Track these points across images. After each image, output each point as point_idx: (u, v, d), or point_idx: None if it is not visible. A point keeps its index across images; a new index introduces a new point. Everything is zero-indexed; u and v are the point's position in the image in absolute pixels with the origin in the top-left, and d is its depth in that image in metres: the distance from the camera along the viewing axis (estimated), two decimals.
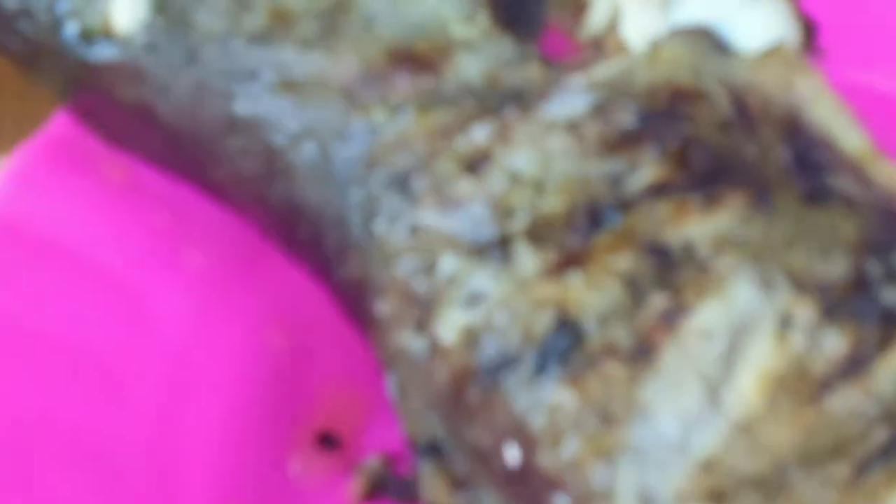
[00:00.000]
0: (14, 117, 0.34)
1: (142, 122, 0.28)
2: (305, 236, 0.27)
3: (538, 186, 0.25)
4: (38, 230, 0.28)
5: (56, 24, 0.28)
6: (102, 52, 0.27)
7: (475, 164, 0.25)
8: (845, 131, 0.26)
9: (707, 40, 0.26)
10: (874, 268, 0.23)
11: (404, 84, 0.26)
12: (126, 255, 0.28)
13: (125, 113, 0.28)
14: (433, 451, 0.26)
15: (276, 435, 0.28)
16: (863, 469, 0.22)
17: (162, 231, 0.29)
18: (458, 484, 0.26)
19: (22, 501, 0.25)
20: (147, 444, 0.26)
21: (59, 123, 0.30)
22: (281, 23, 0.26)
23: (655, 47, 0.26)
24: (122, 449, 0.26)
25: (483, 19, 0.27)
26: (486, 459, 0.25)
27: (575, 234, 0.24)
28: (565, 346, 0.23)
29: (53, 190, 0.29)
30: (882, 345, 0.23)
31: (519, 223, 0.24)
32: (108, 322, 0.27)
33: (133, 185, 0.29)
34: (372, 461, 0.29)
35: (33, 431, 0.25)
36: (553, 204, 0.24)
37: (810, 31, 0.28)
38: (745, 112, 0.25)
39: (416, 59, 0.26)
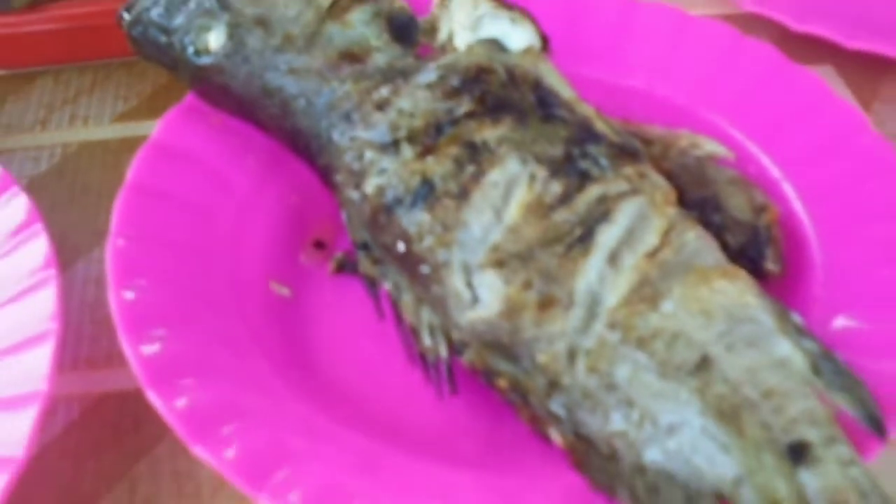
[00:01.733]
0: (172, 97, 0.58)
1: (225, 94, 0.50)
2: (303, 146, 0.48)
3: (412, 115, 0.44)
4: (182, 146, 0.51)
5: (184, 48, 0.50)
6: (205, 60, 0.50)
7: (382, 105, 0.45)
8: (563, 88, 0.46)
9: (495, 44, 0.48)
10: (576, 151, 0.43)
11: (347, 69, 0.48)
12: (222, 156, 0.51)
13: (218, 90, 0.50)
14: (365, 247, 0.45)
15: (293, 242, 0.51)
16: (570, 248, 0.39)
17: (240, 147, 0.52)
18: (376, 262, 0.45)
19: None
20: (227, 246, 0.48)
21: (190, 98, 0.52)
22: (288, 42, 0.48)
23: (469, 47, 0.48)
24: (212, 248, 0.48)
25: (386, 37, 0.49)
26: (389, 250, 0.43)
27: (429, 138, 0.43)
28: (425, 192, 0.41)
29: (188, 127, 0.52)
30: (579, 188, 0.41)
31: (402, 133, 0.43)
32: (211, 187, 0.50)
33: (226, 125, 0.52)
34: (339, 254, 0.50)
35: None
36: (419, 123, 0.43)
37: (546, 40, 0.49)
38: (514, 79, 0.45)
39: (354, 56, 0.48)
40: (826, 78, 0.62)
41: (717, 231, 0.45)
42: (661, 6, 0.59)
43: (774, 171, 0.52)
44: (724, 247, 0.43)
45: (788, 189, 0.51)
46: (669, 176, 0.45)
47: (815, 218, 0.49)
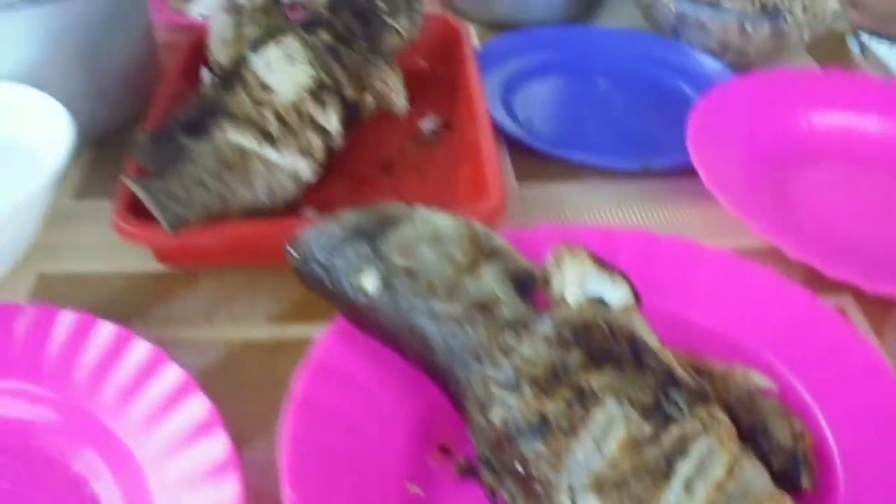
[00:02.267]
0: (317, 303, 0.68)
1: (374, 326, 0.61)
2: (439, 375, 0.58)
3: (533, 363, 0.54)
4: (337, 366, 0.62)
5: (342, 287, 0.61)
6: (360, 299, 0.61)
7: (507, 351, 0.55)
8: (650, 338, 0.57)
9: (599, 301, 0.59)
10: (662, 396, 0.52)
11: (480, 318, 0.59)
12: (369, 375, 0.62)
13: (369, 322, 0.61)
14: (487, 462, 0.54)
15: (423, 447, 0.61)
16: (655, 477, 0.50)
17: (383, 367, 0.63)
18: (496, 475, 0.54)
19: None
20: (373, 451, 0.60)
21: (341, 322, 0.64)
22: (431, 290, 0.59)
23: (578, 305, 0.59)
24: (362, 453, 0.59)
25: (511, 292, 0.60)
26: (508, 467, 0.52)
27: (547, 383, 0.53)
28: (542, 426, 0.51)
29: (342, 349, 0.63)
30: (664, 427, 0.51)
31: (524, 376, 0.53)
32: (361, 401, 0.62)
33: (372, 348, 0.63)
34: (461, 460, 0.59)
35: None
36: (539, 371, 0.53)
37: (638, 297, 0.60)
38: (614, 332, 0.55)
39: (485, 307, 0.59)
40: (846, 306, 0.75)
41: (764, 455, 0.57)
42: (721, 253, 0.73)
43: (807, 399, 0.65)
44: (769, 467, 0.55)
45: (818, 415, 0.64)
46: (728, 406, 0.57)
47: (840, 441, 0.62)
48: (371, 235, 0.63)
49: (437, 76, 1.01)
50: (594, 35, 1.13)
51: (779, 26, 1.05)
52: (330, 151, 0.83)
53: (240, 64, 0.82)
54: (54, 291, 0.77)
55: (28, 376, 0.65)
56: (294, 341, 0.71)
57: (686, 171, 0.85)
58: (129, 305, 0.75)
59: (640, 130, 0.99)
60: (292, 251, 0.64)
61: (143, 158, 0.76)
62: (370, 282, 0.61)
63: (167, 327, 0.73)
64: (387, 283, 0.61)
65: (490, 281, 0.61)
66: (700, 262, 0.73)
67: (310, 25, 0.86)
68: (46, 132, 0.79)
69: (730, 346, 0.68)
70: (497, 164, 0.78)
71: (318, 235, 0.64)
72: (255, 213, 0.77)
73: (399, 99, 0.91)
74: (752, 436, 0.58)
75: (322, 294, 0.64)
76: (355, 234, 0.63)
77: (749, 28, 1.05)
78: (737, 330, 0.69)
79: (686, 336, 0.65)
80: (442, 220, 0.64)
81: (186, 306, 0.75)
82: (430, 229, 0.63)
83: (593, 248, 0.62)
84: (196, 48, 0.97)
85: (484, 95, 0.89)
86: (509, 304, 0.60)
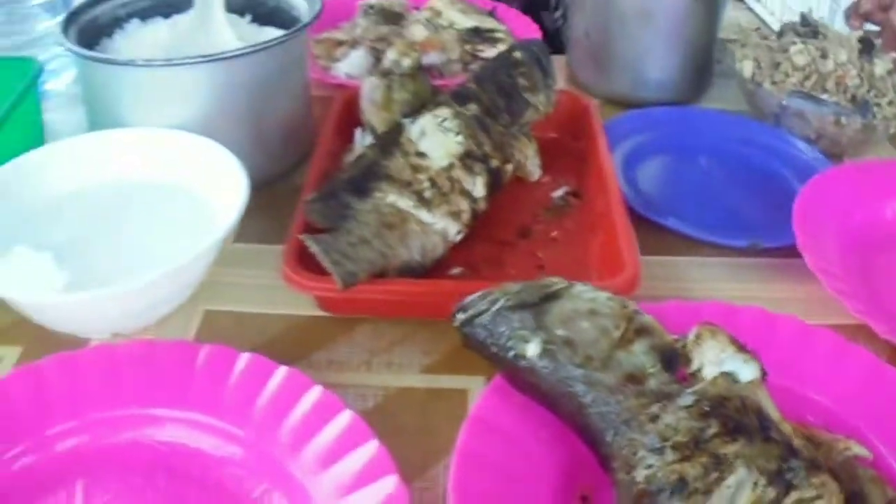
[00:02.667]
0: (465, 356, 0.75)
1: (532, 387, 0.67)
2: (589, 436, 0.65)
3: (675, 430, 0.60)
4: (495, 421, 0.69)
5: (505, 351, 0.67)
6: (522, 363, 0.66)
7: (653, 418, 0.61)
8: (773, 411, 0.63)
9: (731, 376, 0.65)
10: (784, 465, 0.59)
11: (630, 388, 0.65)
12: (524, 429, 0.69)
13: (527, 384, 0.67)
14: None
15: (568, 495, 0.68)
16: None
17: (536, 422, 0.70)
18: None
19: None
20: (527, 500, 0.67)
21: (498, 380, 0.71)
22: (587, 360, 0.66)
23: (714, 379, 0.64)
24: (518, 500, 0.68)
25: (658, 365, 0.66)
26: None
27: (687, 449, 0.59)
28: (681, 487, 0.57)
29: (499, 405, 0.70)
30: (786, 493, 0.58)
31: (668, 442, 0.59)
32: (517, 454, 0.68)
33: (526, 404, 0.70)
34: None
35: None
36: (681, 438, 0.59)
37: (765, 373, 0.65)
38: (745, 405, 0.62)
39: (635, 378, 0.65)
40: None
41: None
42: (826, 333, 0.79)
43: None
44: None
45: None
46: (831, 471, 0.63)
47: None
48: (534, 306, 0.69)
49: (565, 147, 1.09)
50: (704, 117, 1.20)
51: (870, 120, 1.12)
52: (474, 215, 0.90)
53: (396, 130, 0.89)
54: (219, 328, 0.84)
55: (211, 411, 0.71)
56: (446, 391, 0.77)
57: (788, 251, 0.91)
58: (291, 347, 0.81)
59: (744, 209, 1.06)
60: (459, 313, 0.70)
61: (313, 215, 0.83)
62: (532, 348, 0.67)
63: (328, 371, 0.79)
64: (547, 351, 0.67)
65: (640, 355, 0.67)
66: (807, 340, 0.79)
67: (460, 97, 0.93)
68: (220, 182, 0.87)
69: (832, 417, 0.74)
70: (631, 237, 0.85)
71: (484, 302, 0.70)
72: (408, 270, 0.83)
73: (534, 168, 0.99)
74: (852, 500, 0.64)
75: (482, 354, 0.70)
76: (519, 303, 0.69)
77: (844, 120, 1.12)
78: (837, 403, 0.76)
79: (794, 406, 0.72)
80: (598, 296, 0.69)
81: (345, 352, 0.81)
82: (587, 304, 0.69)
83: (717, 322, 0.69)
84: (348, 108, 1.04)
85: (613, 168, 0.97)
86: (656, 377, 0.66)
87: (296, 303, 0.85)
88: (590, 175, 1.00)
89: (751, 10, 3.87)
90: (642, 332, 0.68)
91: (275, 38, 0.95)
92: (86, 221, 0.88)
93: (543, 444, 0.70)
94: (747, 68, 1.19)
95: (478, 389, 0.77)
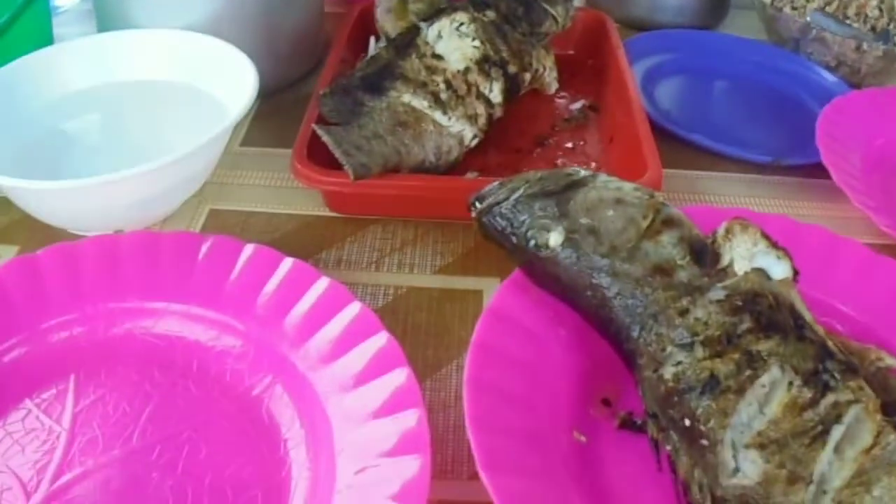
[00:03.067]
0: (479, 258, 0.74)
1: (552, 280, 0.64)
2: (613, 331, 0.62)
3: (706, 324, 0.56)
4: (512, 315, 0.65)
5: (526, 241, 0.64)
6: (543, 253, 0.64)
7: (682, 312, 0.58)
8: (805, 312, 0.59)
9: (764, 273, 0.62)
10: (820, 366, 0.55)
11: (658, 280, 0.62)
12: (541, 326, 0.66)
13: (547, 276, 0.65)
14: (654, 416, 0.57)
15: (587, 399, 0.65)
16: (813, 440, 0.54)
17: (555, 319, 0.66)
18: (661, 428, 0.57)
19: None
20: (545, 397, 0.63)
21: (517, 274, 0.67)
22: (613, 250, 0.62)
23: (746, 275, 0.61)
24: (534, 398, 0.63)
25: (688, 258, 0.62)
26: (675, 422, 0.55)
27: (719, 345, 0.56)
28: (712, 385, 0.54)
29: (517, 300, 0.67)
30: (822, 394, 0.54)
31: (698, 337, 0.56)
32: (533, 349, 0.65)
33: (544, 300, 0.66)
34: (622, 413, 0.62)
35: None
36: (712, 332, 0.56)
37: (797, 273, 0.62)
38: (778, 303, 0.59)
39: (663, 270, 0.62)
40: None
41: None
42: (855, 244, 0.77)
43: None
44: None
45: None
46: (867, 380, 0.59)
47: None
48: (556, 194, 0.66)
49: (583, 64, 1.06)
50: (724, 41, 1.18)
51: (890, 48, 1.10)
52: (490, 121, 0.87)
53: (413, 32, 0.86)
54: (226, 226, 0.81)
55: (211, 303, 0.68)
56: (459, 291, 0.75)
57: (811, 170, 0.91)
58: (299, 245, 0.78)
59: (765, 129, 1.04)
60: (477, 202, 0.67)
61: (325, 109, 0.80)
62: (554, 237, 0.65)
63: (337, 269, 0.76)
64: (570, 240, 0.64)
65: (668, 246, 0.64)
66: (835, 250, 0.77)
67: (477, 4, 0.90)
68: (230, 80, 0.84)
69: (860, 329, 0.72)
70: (652, 143, 0.82)
71: (504, 190, 0.67)
72: (422, 171, 0.80)
73: (552, 80, 0.95)
74: (884, 409, 0.60)
75: (502, 245, 0.67)
76: (541, 191, 0.66)
77: (865, 46, 1.09)
78: (865, 315, 0.73)
79: (822, 316, 0.69)
80: (624, 185, 0.66)
81: (355, 251, 0.79)
82: (613, 193, 0.66)
83: None
84: (362, 19, 1.02)
85: (634, 79, 0.94)
86: (686, 270, 0.63)
87: (304, 202, 0.83)
88: (608, 88, 0.97)
89: None
90: (670, 223, 0.65)
91: None
92: (94, 118, 0.87)
93: (563, 343, 0.67)
94: None
95: (493, 290, 0.73)
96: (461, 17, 0.87)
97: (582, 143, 0.93)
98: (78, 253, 0.70)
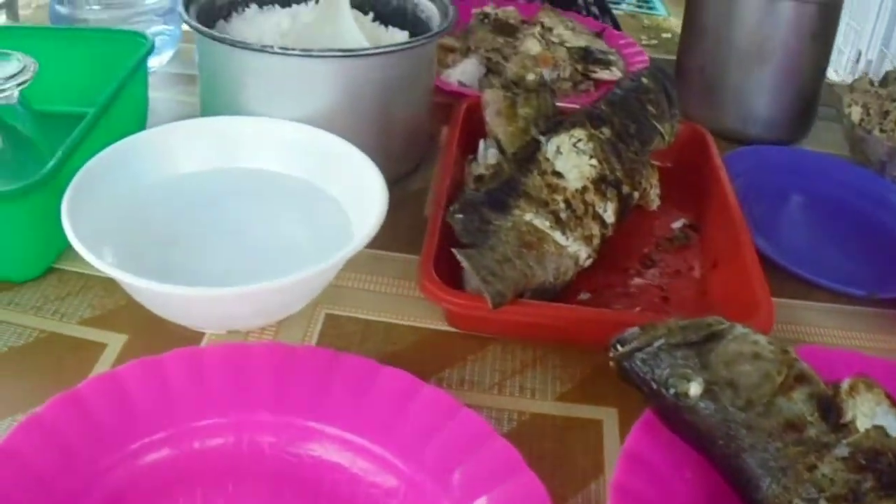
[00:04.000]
0: (599, 385, 0.75)
1: (688, 427, 0.66)
2: (742, 480, 0.63)
3: (832, 482, 0.60)
4: (647, 457, 0.67)
5: (665, 388, 0.65)
6: (682, 402, 0.65)
7: (810, 468, 0.61)
8: None
9: (883, 431, 0.62)
10: None
11: (789, 435, 0.65)
12: (674, 467, 0.67)
13: (682, 422, 0.66)
14: None
15: None
16: None
17: (686, 460, 0.68)
18: None
19: None
20: None
21: (649, 415, 0.69)
22: (749, 404, 0.64)
23: (867, 432, 0.62)
24: None
25: (816, 414, 0.63)
26: None
27: (842, 501, 0.60)
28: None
29: (650, 441, 0.68)
30: None
31: (825, 493, 0.60)
32: (668, 492, 0.67)
33: (674, 441, 0.68)
34: None
35: None
36: (838, 490, 0.60)
37: None
38: None
39: (794, 426, 0.63)
40: None
41: None
42: None
43: None
44: None
45: None
46: None
47: None
48: (697, 345, 0.67)
49: (680, 177, 1.07)
50: (816, 160, 1.19)
51: None
52: (603, 240, 0.88)
53: (532, 146, 0.88)
54: (344, 334, 0.82)
55: (347, 425, 0.69)
56: (580, 420, 0.76)
57: None
58: (422, 362, 0.79)
59: (857, 257, 1.05)
60: (618, 345, 0.68)
61: (458, 229, 0.81)
62: (694, 387, 0.66)
63: (461, 390, 0.77)
64: (709, 391, 0.66)
65: (800, 402, 0.65)
66: None
67: (594, 119, 0.91)
68: (350, 181, 0.86)
69: None
70: (762, 276, 0.83)
71: (645, 336, 0.68)
72: (541, 291, 0.81)
73: (655, 197, 0.97)
74: None
75: (640, 388, 0.68)
76: (683, 341, 0.68)
77: None
78: None
79: None
80: (760, 339, 0.68)
81: (477, 371, 0.80)
82: (751, 347, 0.68)
83: (851, 372, 0.68)
84: (469, 116, 1.04)
85: (735, 199, 0.95)
86: (815, 426, 0.65)
87: (423, 314, 0.84)
88: (708, 206, 0.99)
89: None
90: (802, 379, 0.67)
91: (413, 40, 0.95)
92: (205, 204, 0.88)
93: (688, 483, 0.68)
94: (856, 114, 1.17)
95: (612, 421, 0.76)
96: (579, 133, 0.89)
97: (686, 267, 0.95)
98: (205, 359, 0.71)
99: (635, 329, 0.69)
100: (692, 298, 0.89)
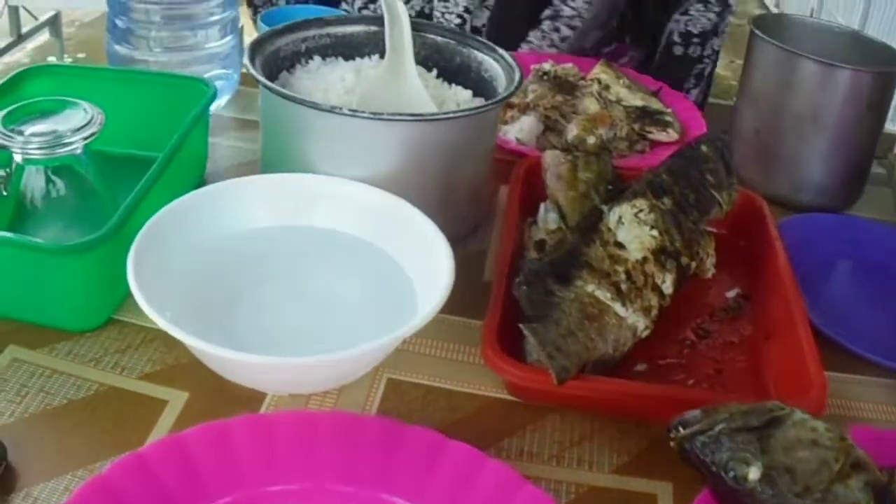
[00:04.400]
0: (656, 458, 0.77)
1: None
2: None
3: None
4: None
5: (725, 471, 0.66)
6: (741, 485, 0.66)
7: None
8: None
9: None
10: None
11: None
12: None
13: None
14: None
15: None
16: None
17: None
18: None
19: None
20: None
21: (706, 495, 0.70)
22: (806, 490, 0.65)
23: None
24: None
25: (871, 501, 0.65)
26: None
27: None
28: None
29: None
30: None
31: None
32: None
33: None
34: None
35: None
36: None
37: None
38: None
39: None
40: None
41: None
42: None
43: None
44: None
45: None
46: None
47: None
48: (757, 429, 0.68)
49: (733, 244, 1.07)
50: (869, 229, 1.19)
51: None
52: (661, 311, 0.89)
53: (595, 216, 0.89)
54: (405, 400, 0.83)
55: (418, 499, 0.70)
56: (636, 494, 0.77)
57: None
58: (483, 431, 0.80)
59: None
60: (679, 427, 0.69)
61: (523, 301, 0.82)
62: (753, 472, 0.67)
63: (520, 461, 0.78)
64: (768, 476, 0.66)
65: (856, 490, 0.66)
66: None
67: (655, 188, 0.93)
68: (418, 251, 0.87)
69: None
70: (816, 353, 0.84)
71: (707, 420, 0.69)
72: (601, 363, 0.83)
73: (711, 266, 0.98)
74: None
75: (699, 470, 0.69)
76: (744, 426, 0.69)
77: None
78: None
79: None
80: (818, 426, 0.69)
81: (536, 442, 0.81)
82: (809, 434, 0.69)
83: None
84: (528, 177, 1.05)
85: (790, 271, 0.95)
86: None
87: (484, 381, 0.85)
88: (764, 278, 0.99)
89: None
90: (858, 466, 0.68)
91: (480, 106, 0.97)
92: (269, 264, 0.89)
93: None
94: None
95: (666, 496, 0.76)
96: (641, 203, 0.90)
97: (739, 338, 0.95)
98: (272, 426, 0.72)
99: (697, 412, 0.71)
100: (744, 371, 0.90)
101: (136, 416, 0.78)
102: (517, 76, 1.00)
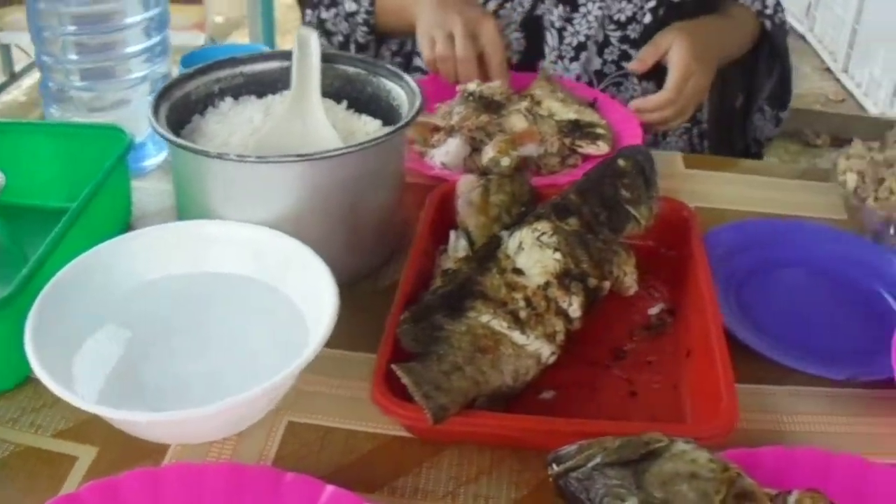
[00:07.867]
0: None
1: None
2: None
3: None
4: None
5: None
6: None
7: None
8: None
9: None
10: None
11: None
12: None
13: None
14: None
15: None
16: None
17: None
18: None
19: None
20: None
21: None
22: None
23: None
24: None
25: None
26: None
27: None
28: None
29: None
30: None
31: None
32: None
33: None
34: None
35: None
36: None
37: None
38: None
39: None
40: None
41: None
42: None
43: None
44: None
45: None
46: None
47: None
48: (633, 463, 0.67)
49: (660, 256, 1.05)
50: (804, 230, 1.17)
51: None
52: (568, 336, 0.87)
53: (494, 243, 0.88)
54: (304, 443, 0.83)
55: None
56: None
57: (889, 383, 0.88)
58: (377, 471, 0.80)
59: (843, 335, 1.02)
60: (554, 464, 0.68)
61: (406, 339, 0.81)
62: None
63: (413, 500, 0.77)
64: None
65: None
66: None
67: (560, 210, 0.91)
68: (309, 288, 0.86)
69: None
70: (729, 374, 0.81)
71: (582, 456, 0.68)
72: (500, 394, 0.81)
73: (631, 282, 0.96)
74: None
75: None
76: (618, 460, 0.67)
77: None
78: None
79: None
80: (699, 457, 0.67)
81: (432, 480, 0.79)
82: (688, 466, 0.67)
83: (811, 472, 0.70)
84: (442, 204, 1.02)
85: (713, 289, 0.92)
86: None
87: (383, 418, 0.82)
88: (687, 292, 0.97)
89: (838, 80, 3.85)
90: (742, 497, 0.66)
91: (376, 138, 0.94)
92: (170, 312, 0.89)
93: None
94: (851, 181, 1.16)
95: None
96: (543, 226, 0.89)
97: (659, 357, 0.94)
98: (161, 481, 0.73)
99: (573, 447, 0.69)
100: (661, 393, 0.88)
101: (47, 475, 0.78)
102: (418, 102, 0.99)
